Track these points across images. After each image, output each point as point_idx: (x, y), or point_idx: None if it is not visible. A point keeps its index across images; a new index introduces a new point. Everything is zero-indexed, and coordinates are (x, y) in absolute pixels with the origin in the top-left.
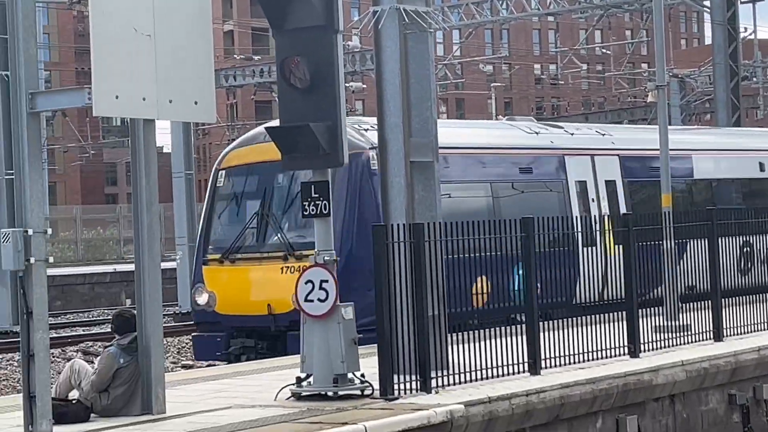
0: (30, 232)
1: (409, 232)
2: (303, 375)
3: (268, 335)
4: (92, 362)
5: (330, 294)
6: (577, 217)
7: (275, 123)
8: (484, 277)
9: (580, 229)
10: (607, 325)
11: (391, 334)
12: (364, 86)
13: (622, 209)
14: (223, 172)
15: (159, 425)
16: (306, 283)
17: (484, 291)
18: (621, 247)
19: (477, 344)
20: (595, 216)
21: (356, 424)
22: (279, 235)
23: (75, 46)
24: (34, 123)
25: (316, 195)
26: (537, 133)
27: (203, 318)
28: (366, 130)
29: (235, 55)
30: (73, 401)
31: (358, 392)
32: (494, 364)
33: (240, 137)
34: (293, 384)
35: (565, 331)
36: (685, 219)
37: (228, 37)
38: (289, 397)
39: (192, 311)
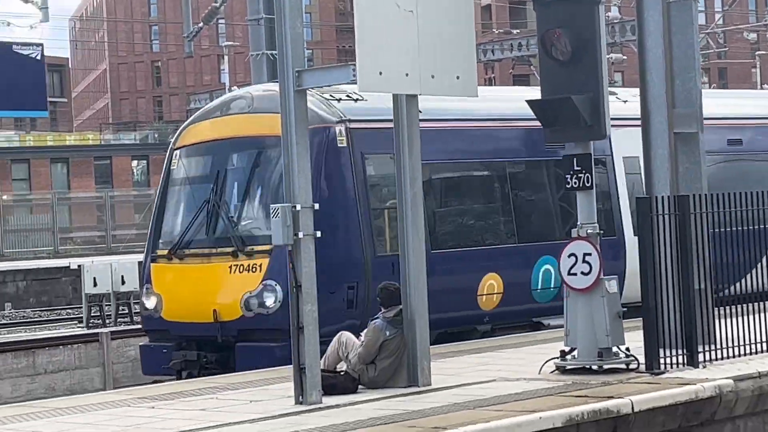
0: (298, 207)
1: (674, 205)
2: (567, 348)
3: (218, 346)
4: (359, 335)
5: (593, 267)
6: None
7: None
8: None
9: None
10: None
11: (657, 307)
12: (624, 57)
13: None
14: (178, 152)
15: (425, 397)
16: (569, 256)
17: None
18: None
19: (744, 319)
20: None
21: (622, 398)
22: (229, 227)
23: (336, 24)
24: (301, 100)
25: (579, 168)
26: None
27: (151, 325)
28: (338, 100)
29: (494, 29)
30: (342, 373)
31: (623, 366)
32: (763, 339)
33: (201, 109)
34: (557, 357)
35: None
36: None
37: (485, 11)
38: (554, 371)
39: (141, 316)
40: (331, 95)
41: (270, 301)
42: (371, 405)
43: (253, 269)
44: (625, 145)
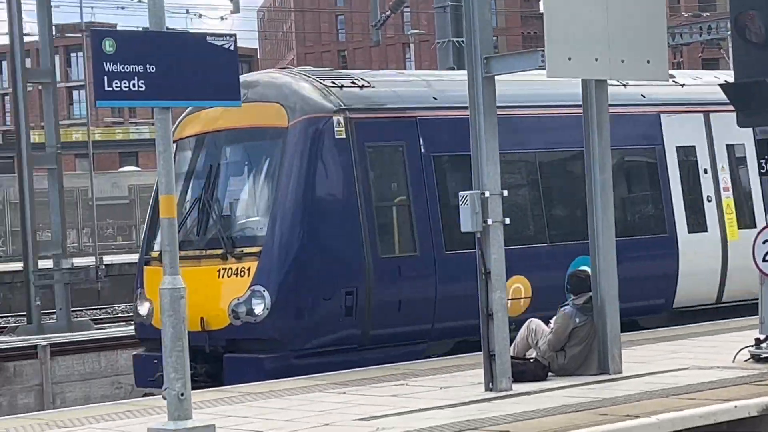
0: (487, 194)
1: None
2: (762, 336)
3: (208, 357)
4: (548, 322)
5: None
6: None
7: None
8: None
9: None
10: None
11: None
12: None
13: (754, 182)
14: (175, 145)
15: (616, 385)
16: (764, 242)
17: None
18: None
19: None
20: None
21: None
22: (219, 227)
23: (521, 10)
24: (489, 87)
25: None
26: (625, 84)
27: (143, 333)
28: (340, 87)
29: (682, 12)
30: (531, 360)
31: None
32: None
33: None
34: (751, 345)
35: None
36: None
37: None
38: (748, 359)
39: (134, 323)
40: (333, 82)
41: (258, 308)
42: (562, 392)
43: (242, 273)
44: (678, 132)
